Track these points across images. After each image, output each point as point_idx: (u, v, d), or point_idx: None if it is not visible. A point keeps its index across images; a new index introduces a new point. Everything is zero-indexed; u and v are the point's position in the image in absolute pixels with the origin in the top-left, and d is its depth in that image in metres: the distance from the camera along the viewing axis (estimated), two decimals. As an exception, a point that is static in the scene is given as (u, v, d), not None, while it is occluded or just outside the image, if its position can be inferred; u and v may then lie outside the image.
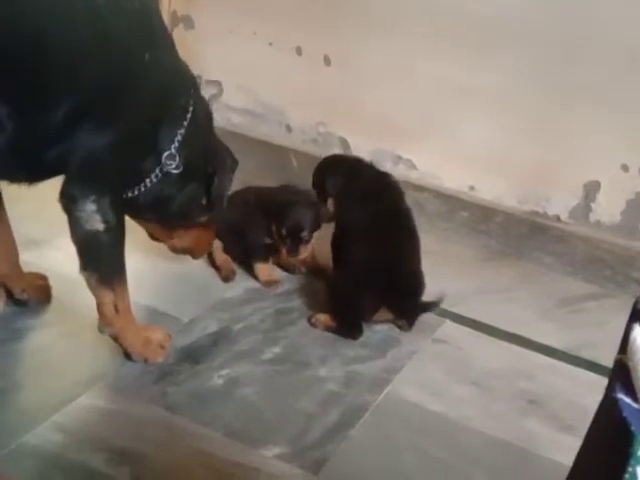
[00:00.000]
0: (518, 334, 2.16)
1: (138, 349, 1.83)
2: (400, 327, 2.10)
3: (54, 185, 1.66)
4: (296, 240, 2.18)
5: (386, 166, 2.44)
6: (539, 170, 2.55)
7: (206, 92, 2.87)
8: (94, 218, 1.64)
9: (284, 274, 2.29)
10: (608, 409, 0.72)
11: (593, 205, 2.51)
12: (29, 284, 1.97)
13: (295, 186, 2.37)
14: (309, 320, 2.09)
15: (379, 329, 2.09)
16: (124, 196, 1.77)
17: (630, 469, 0.65)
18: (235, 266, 2.27)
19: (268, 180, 2.49)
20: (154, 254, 2.13)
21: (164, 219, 1.92)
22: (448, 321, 2.18)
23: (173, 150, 1.76)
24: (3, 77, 1.48)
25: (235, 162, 1.98)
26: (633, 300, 0.82)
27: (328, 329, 2.06)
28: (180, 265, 2.15)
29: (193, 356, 1.90)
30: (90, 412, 1.68)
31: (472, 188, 2.66)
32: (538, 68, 2.45)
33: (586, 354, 2.10)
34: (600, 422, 0.78)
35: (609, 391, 0.73)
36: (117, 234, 1.70)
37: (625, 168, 2.42)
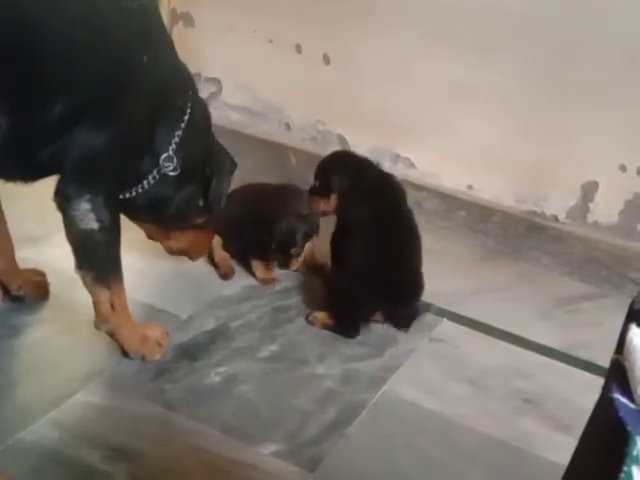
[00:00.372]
0: (515, 333, 2.16)
1: (135, 347, 1.83)
2: (397, 327, 2.10)
3: (52, 182, 1.66)
4: (288, 256, 2.18)
5: (385, 164, 2.44)
6: (537, 170, 2.56)
7: (205, 90, 2.87)
8: (88, 217, 1.64)
9: (282, 272, 2.28)
10: (604, 409, 0.72)
11: (591, 205, 2.51)
12: (26, 280, 1.97)
13: (295, 186, 2.36)
14: (307, 318, 2.09)
15: (376, 328, 2.09)
16: (121, 197, 1.77)
17: (626, 468, 0.65)
18: (233, 263, 2.27)
19: (267, 178, 2.49)
20: (152, 251, 2.12)
21: (161, 220, 1.92)
22: (445, 320, 2.18)
23: (170, 152, 1.76)
24: None
25: (234, 165, 1.97)
26: (629, 300, 0.83)
27: (326, 327, 2.06)
28: (178, 262, 2.15)
29: (190, 353, 1.90)
30: (87, 409, 1.68)
31: (470, 187, 2.66)
32: (537, 68, 2.45)
33: (582, 354, 2.11)
34: (596, 422, 0.78)
35: (605, 391, 0.73)
36: (112, 233, 1.70)
37: (623, 169, 2.43)
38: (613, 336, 0.80)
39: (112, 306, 1.75)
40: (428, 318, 2.15)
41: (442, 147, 2.66)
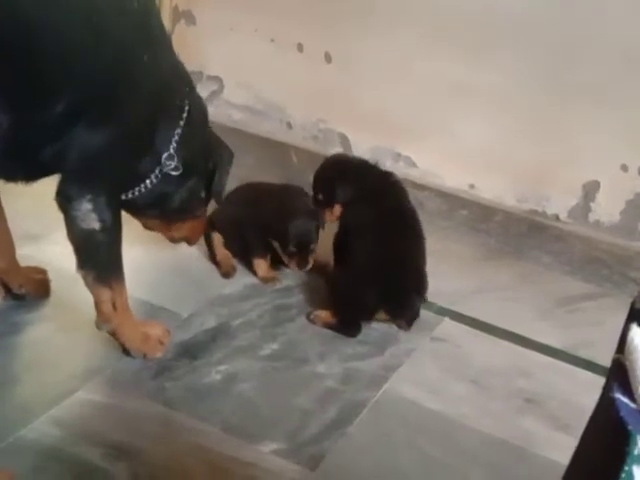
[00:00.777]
0: (516, 333, 2.16)
1: (136, 345, 1.83)
2: (399, 326, 2.10)
3: (53, 180, 1.66)
4: (305, 254, 2.18)
5: (386, 164, 2.44)
6: (539, 169, 2.55)
7: (207, 88, 2.87)
8: (90, 217, 1.64)
9: (283, 271, 2.28)
10: (605, 408, 0.72)
11: (592, 205, 2.51)
12: (27, 279, 1.97)
13: (297, 187, 2.35)
14: (308, 316, 2.09)
15: (377, 327, 2.09)
16: (124, 197, 1.77)
17: (627, 468, 0.65)
18: (235, 262, 2.27)
19: (268, 177, 2.48)
20: (153, 249, 2.13)
21: (165, 215, 1.92)
22: (447, 319, 2.18)
23: (172, 150, 1.76)
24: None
25: (231, 155, 1.98)
26: (631, 300, 0.83)
27: (327, 326, 2.06)
28: (179, 260, 2.15)
29: (191, 351, 1.90)
30: (87, 406, 1.68)
31: (472, 187, 2.66)
32: (538, 68, 2.45)
33: (584, 353, 2.11)
34: (597, 421, 0.78)
35: (606, 390, 0.73)
36: (113, 233, 1.70)
37: (625, 168, 2.42)
38: (614, 336, 0.80)
39: (114, 305, 1.75)
40: (429, 317, 2.15)
41: (443, 146, 2.66)
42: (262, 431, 1.68)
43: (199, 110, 1.86)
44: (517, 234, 2.60)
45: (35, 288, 1.97)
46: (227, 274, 2.23)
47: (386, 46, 2.63)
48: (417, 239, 2.13)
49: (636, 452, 0.65)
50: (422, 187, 2.66)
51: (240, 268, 2.27)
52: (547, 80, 2.45)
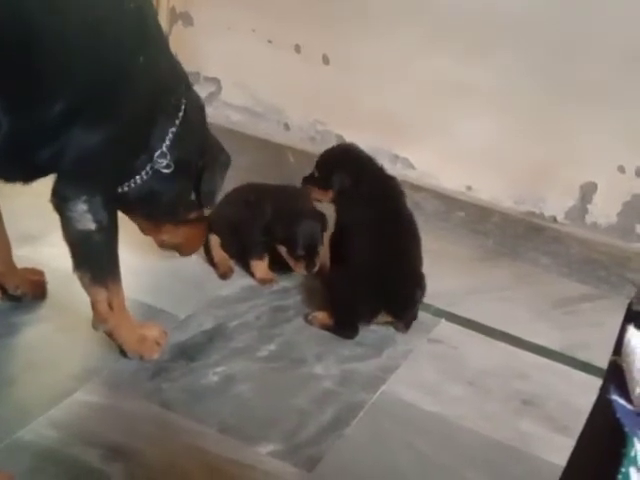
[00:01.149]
0: (513, 334, 2.16)
1: (133, 346, 1.83)
2: (396, 328, 2.10)
3: (50, 180, 1.66)
4: (312, 257, 2.18)
5: (384, 165, 2.43)
6: (536, 171, 2.56)
7: (204, 89, 2.87)
8: (86, 218, 1.64)
9: (280, 272, 2.28)
10: (602, 410, 0.72)
11: (589, 206, 2.52)
12: (24, 280, 1.97)
13: (297, 187, 2.35)
14: (306, 318, 2.09)
15: (375, 328, 2.09)
16: (115, 192, 1.77)
17: (623, 470, 0.65)
18: (232, 263, 2.27)
19: (266, 178, 2.48)
20: (150, 250, 2.12)
21: (152, 215, 1.92)
22: (444, 321, 2.18)
23: (164, 148, 1.76)
24: None
25: (227, 158, 1.97)
26: (627, 301, 0.83)
27: (324, 327, 2.06)
28: (176, 262, 2.15)
29: (188, 353, 1.90)
30: (85, 408, 1.68)
31: (469, 188, 2.67)
32: (536, 69, 2.46)
33: (581, 355, 2.11)
34: (594, 423, 0.78)
35: (603, 392, 0.73)
36: (109, 233, 1.70)
37: (622, 170, 2.43)
38: (611, 337, 0.80)
39: (110, 306, 1.75)
40: (426, 319, 2.15)
41: (441, 148, 2.66)
42: (259, 432, 1.68)
43: (196, 110, 1.86)
44: (514, 235, 2.61)
45: (32, 289, 1.97)
46: (225, 275, 2.23)
47: (383, 48, 2.63)
48: (413, 240, 2.13)
49: (632, 454, 0.65)
50: (419, 188, 2.66)
51: (237, 269, 2.27)
52: (544, 82, 2.45)
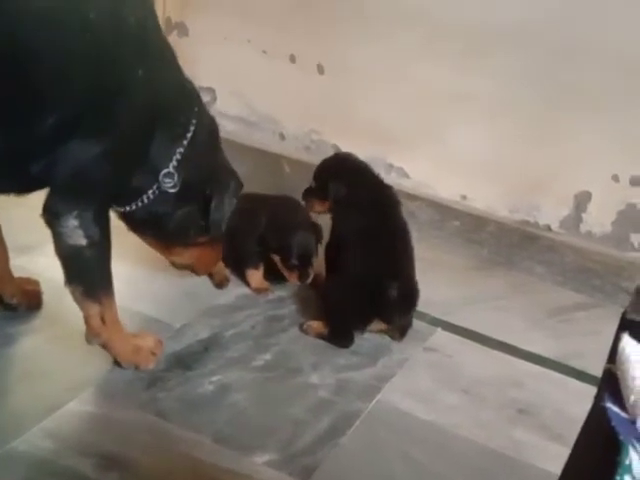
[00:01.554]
0: (508, 343, 2.17)
1: (128, 357, 1.82)
2: (392, 337, 2.10)
3: (46, 192, 1.66)
4: (306, 267, 2.18)
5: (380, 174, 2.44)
6: (531, 180, 2.57)
7: (200, 99, 2.87)
8: (77, 233, 1.63)
9: (275, 282, 2.28)
10: (597, 418, 0.73)
11: (584, 215, 2.52)
12: (19, 289, 1.96)
13: (292, 198, 2.35)
14: (301, 327, 2.09)
15: (370, 337, 2.09)
16: (122, 210, 1.77)
17: (618, 478, 0.65)
18: (228, 273, 2.27)
19: (261, 187, 2.48)
20: (145, 260, 2.12)
21: (160, 236, 1.91)
22: (439, 329, 2.18)
23: (171, 168, 1.75)
24: None
25: (239, 185, 1.94)
26: (622, 310, 0.83)
27: (319, 336, 2.06)
28: (172, 271, 2.14)
29: (184, 362, 1.90)
30: (80, 418, 1.68)
31: (464, 197, 2.67)
32: (531, 77, 2.47)
33: (575, 363, 2.11)
34: (589, 431, 0.78)
35: (598, 400, 0.74)
36: (101, 248, 1.69)
37: (616, 179, 2.44)
38: (606, 346, 0.80)
39: (103, 320, 1.74)
40: (422, 328, 2.15)
41: (436, 157, 2.67)
42: (255, 442, 1.67)
43: (208, 132, 1.84)
44: (509, 244, 2.61)
45: (27, 299, 1.97)
46: (220, 284, 2.23)
47: (378, 57, 2.64)
48: (407, 248, 2.13)
49: (627, 462, 0.65)
50: (414, 197, 2.67)
51: (233, 279, 2.27)
52: (539, 92, 2.46)
